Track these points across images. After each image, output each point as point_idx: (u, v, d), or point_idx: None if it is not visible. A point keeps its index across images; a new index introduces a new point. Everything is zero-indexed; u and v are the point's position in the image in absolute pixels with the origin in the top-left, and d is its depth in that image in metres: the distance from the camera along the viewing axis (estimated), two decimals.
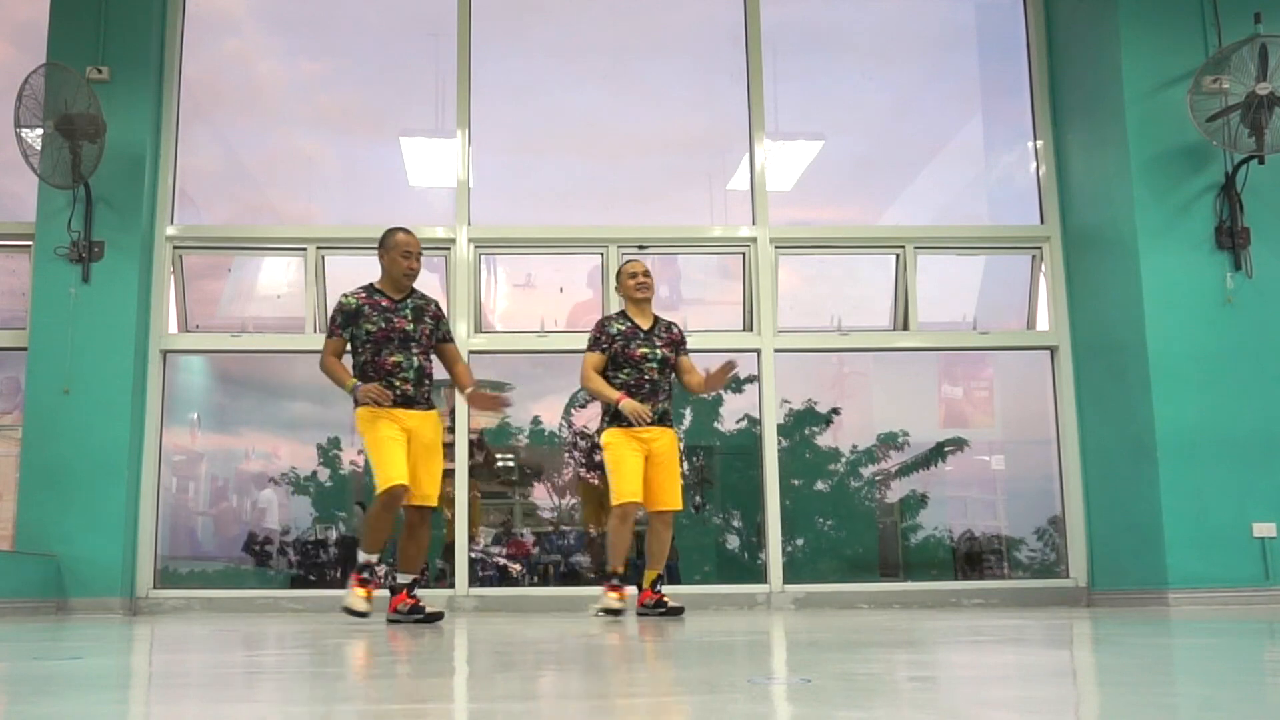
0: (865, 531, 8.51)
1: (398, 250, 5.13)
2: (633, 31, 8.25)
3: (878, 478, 8.41)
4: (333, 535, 8.44)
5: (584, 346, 5.87)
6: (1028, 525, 7.94)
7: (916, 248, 7.62)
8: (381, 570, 5.12)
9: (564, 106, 8.13)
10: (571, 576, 8.53)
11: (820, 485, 8.36)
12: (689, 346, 5.98)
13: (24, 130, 6.64)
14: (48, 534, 6.62)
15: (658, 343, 5.79)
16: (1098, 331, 7.21)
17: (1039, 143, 7.74)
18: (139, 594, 6.90)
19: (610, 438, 5.73)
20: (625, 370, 5.72)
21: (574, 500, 9.04)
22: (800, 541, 7.86)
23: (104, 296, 6.91)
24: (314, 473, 8.55)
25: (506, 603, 7.27)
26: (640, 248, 7.61)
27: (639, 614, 5.76)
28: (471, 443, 7.52)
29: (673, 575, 8.23)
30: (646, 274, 5.91)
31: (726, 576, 7.87)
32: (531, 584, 8.22)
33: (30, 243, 7.05)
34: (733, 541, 8.23)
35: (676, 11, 8.30)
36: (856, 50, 8.36)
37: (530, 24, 8.13)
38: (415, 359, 5.07)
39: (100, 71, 7.01)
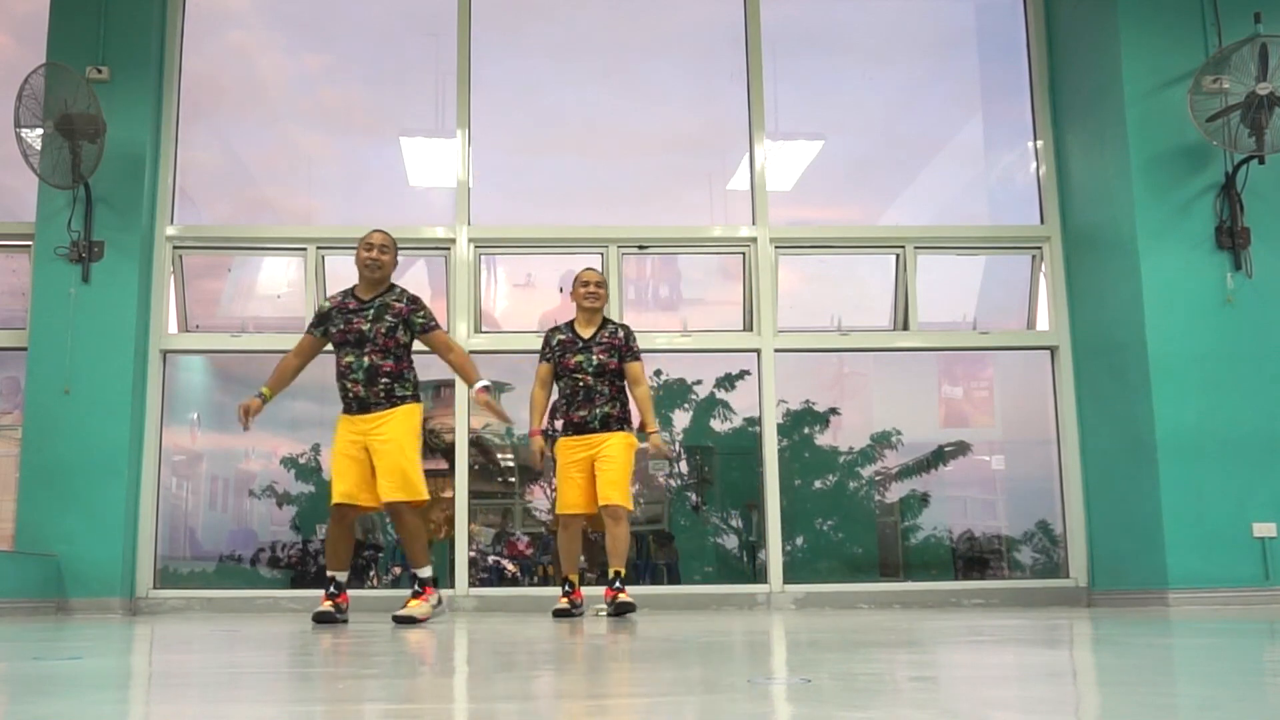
0: (865, 531, 8.50)
1: (361, 244, 5.18)
2: (633, 31, 8.25)
3: (878, 478, 8.41)
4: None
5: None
6: (1028, 525, 7.93)
7: (916, 248, 7.62)
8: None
9: (564, 106, 8.12)
10: None
11: (820, 485, 8.36)
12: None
13: (24, 130, 6.64)
14: (48, 534, 6.62)
15: (595, 350, 5.84)
16: (1098, 331, 7.21)
17: (1039, 143, 7.74)
18: (139, 594, 6.90)
19: (556, 449, 5.96)
20: (563, 380, 5.89)
21: None
22: (800, 541, 7.85)
23: (104, 296, 6.91)
24: (312, 472, 8.55)
25: (506, 603, 7.28)
26: (640, 248, 7.61)
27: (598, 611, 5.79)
28: (470, 442, 7.51)
29: (672, 575, 8.24)
30: (599, 284, 5.94)
31: (726, 577, 7.87)
32: (530, 584, 8.21)
33: (30, 243, 7.05)
34: (732, 541, 8.23)
35: (676, 11, 8.30)
36: (856, 50, 8.35)
37: (530, 24, 8.13)
38: (366, 358, 5.02)
39: (100, 71, 7.00)
